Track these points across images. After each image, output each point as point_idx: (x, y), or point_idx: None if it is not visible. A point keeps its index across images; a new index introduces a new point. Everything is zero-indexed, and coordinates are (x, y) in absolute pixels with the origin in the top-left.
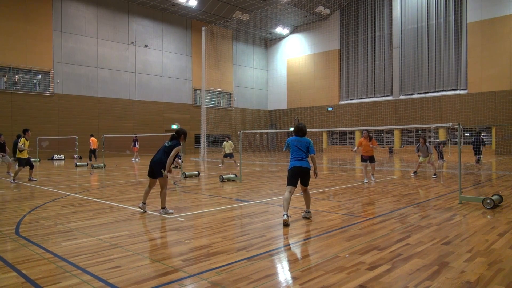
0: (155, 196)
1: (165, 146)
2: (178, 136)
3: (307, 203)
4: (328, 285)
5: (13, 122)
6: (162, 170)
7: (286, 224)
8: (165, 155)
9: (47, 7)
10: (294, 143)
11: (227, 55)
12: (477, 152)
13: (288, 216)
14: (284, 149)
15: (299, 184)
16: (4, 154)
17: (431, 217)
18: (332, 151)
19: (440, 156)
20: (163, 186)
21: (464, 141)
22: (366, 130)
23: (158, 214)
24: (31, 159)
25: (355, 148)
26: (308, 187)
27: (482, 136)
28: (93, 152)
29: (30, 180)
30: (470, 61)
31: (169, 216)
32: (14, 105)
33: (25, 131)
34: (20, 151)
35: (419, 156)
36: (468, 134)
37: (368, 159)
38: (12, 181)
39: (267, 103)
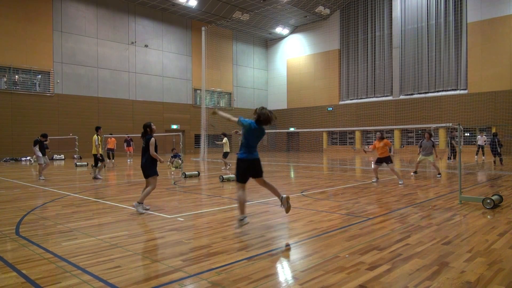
0: (154, 196)
1: (143, 147)
2: (145, 131)
3: (275, 192)
4: (328, 285)
5: (13, 122)
6: (168, 161)
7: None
8: (145, 155)
9: (47, 7)
10: (256, 133)
11: (227, 55)
12: (496, 153)
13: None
14: (241, 122)
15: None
16: (43, 155)
17: (431, 217)
18: (332, 151)
19: (452, 154)
20: (150, 184)
21: (472, 142)
22: (380, 131)
23: (132, 206)
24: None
25: (367, 148)
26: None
27: (497, 138)
28: (111, 151)
29: (95, 178)
30: (470, 61)
31: (169, 216)
32: (14, 105)
33: (97, 128)
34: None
35: (419, 153)
36: (468, 134)
37: (384, 160)
38: (99, 177)
39: (267, 103)
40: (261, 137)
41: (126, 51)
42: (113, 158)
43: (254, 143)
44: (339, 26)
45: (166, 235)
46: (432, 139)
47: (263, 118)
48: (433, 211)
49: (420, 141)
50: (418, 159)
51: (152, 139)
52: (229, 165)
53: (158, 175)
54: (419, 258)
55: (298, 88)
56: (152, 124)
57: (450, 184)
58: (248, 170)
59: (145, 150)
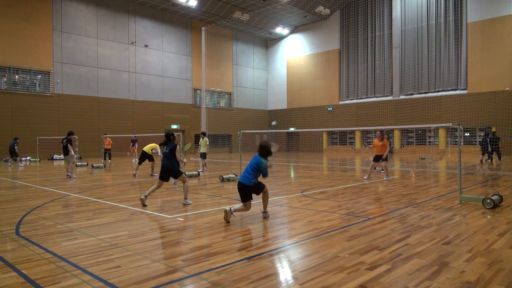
0: (154, 196)
1: (166, 152)
2: (171, 139)
3: (264, 204)
4: (328, 285)
5: (13, 122)
6: (180, 168)
7: (227, 221)
8: (172, 159)
9: (47, 7)
10: (252, 159)
11: (227, 55)
12: (485, 151)
13: (231, 212)
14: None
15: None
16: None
17: (431, 217)
18: (332, 151)
19: (498, 155)
20: (184, 181)
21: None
22: (380, 131)
23: (182, 204)
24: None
25: (368, 147)
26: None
27: (489, 137)
28: (107, 151)
29: (152, 175)
30: (470, 61)
31: (169, 216)
32: (14, 105)
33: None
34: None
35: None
36: (468, 134)
37: (381, 157)
38: (154, 174)
39: (267, 103)
40: (253, 163)
41: (126, 51)
42: (109, 159)
43: (249, 167)
44: (339, 26)
45: (166, 235)
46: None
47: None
48: (433, 211)
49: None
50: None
51: (178, 147)
52: (207, 169)
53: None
54: (419, 258)
55: (298, 88)
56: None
57: (450, 184)
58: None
59: (171, 156)
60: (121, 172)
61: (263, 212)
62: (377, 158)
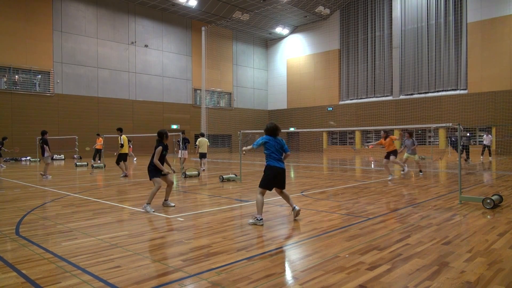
0: (155, 196)
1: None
2: (161, 138)
3: (290, 201)
4: (328, 285)
5: (13, 122)
6: (162, 172)
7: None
8: (152, 159)
9: (47, 7)
10: (272, 142)
11: (227, 55)
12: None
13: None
14: (255, 147)
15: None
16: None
17: (431, 217)
18: (332, 151)
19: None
20: (154, 185)
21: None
22: (384, 130)
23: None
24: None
25: (372, 144)
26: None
27: (471, 141)
28: (98, 152)
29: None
30: (470, 61)
31: (169, 216)
32: (14, 105)
33: (120, 129)
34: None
35: (405, 151)
36: (469, 134)
37: (392, 153)
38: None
39: (267, 103)
40: (279, 146)
41: (126, 51)
42: (99, 159)
43: (277, 152)
44: (339, 26)
45: (166, 235)
46: (413, 138)
47: (268, 128)
48: (433, 211)
49: (403, 140)
50: (404, 157)
51: (159, 148)
52: (204, 168)
53: (159, 177)
54: (419, 258)
55: (298, 88)
56: (167, 133)
57: (450, 184)
58: (275, 178)
59: (152, 156)
60: (120, 172)
61: (294, 209)
62: (388, 155)
